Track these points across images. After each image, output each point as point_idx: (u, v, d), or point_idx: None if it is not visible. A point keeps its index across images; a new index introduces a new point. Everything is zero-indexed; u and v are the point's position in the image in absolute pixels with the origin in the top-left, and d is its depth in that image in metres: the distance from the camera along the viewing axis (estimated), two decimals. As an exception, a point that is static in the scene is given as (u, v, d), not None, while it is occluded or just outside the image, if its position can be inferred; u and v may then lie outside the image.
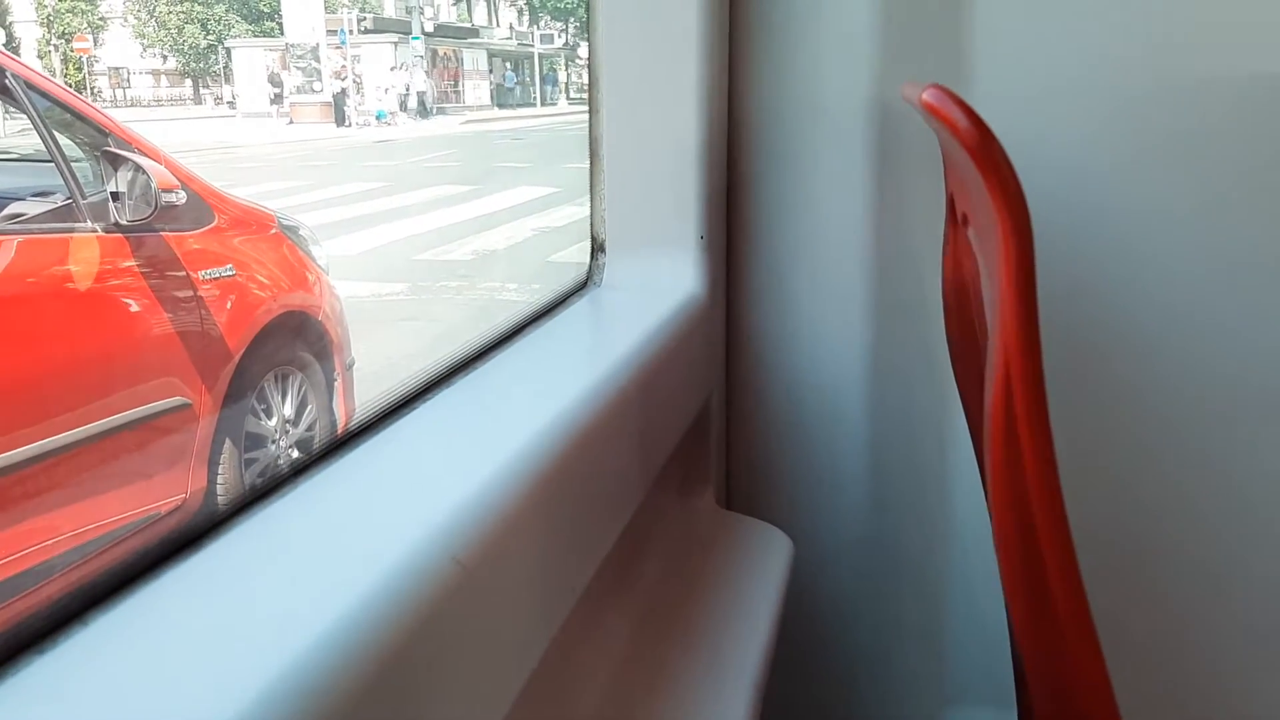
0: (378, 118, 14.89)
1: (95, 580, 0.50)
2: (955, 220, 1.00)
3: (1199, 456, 1.24)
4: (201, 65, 13.77)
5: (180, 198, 3.09)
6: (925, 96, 0.65)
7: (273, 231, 3.58)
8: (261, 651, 0.46)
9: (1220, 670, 1.30)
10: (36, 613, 0.47)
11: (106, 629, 0.48)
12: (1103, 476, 1.26)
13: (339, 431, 0.75)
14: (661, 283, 1.23)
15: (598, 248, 1.27)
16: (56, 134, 3.01)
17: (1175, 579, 1.28)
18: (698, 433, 1.26)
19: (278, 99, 13.38)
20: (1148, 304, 1.22)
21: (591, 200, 1.27)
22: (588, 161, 1.27)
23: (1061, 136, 1.20)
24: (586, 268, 1.28)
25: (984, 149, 0.62)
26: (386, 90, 15.27)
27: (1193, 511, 1.26)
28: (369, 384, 3.84)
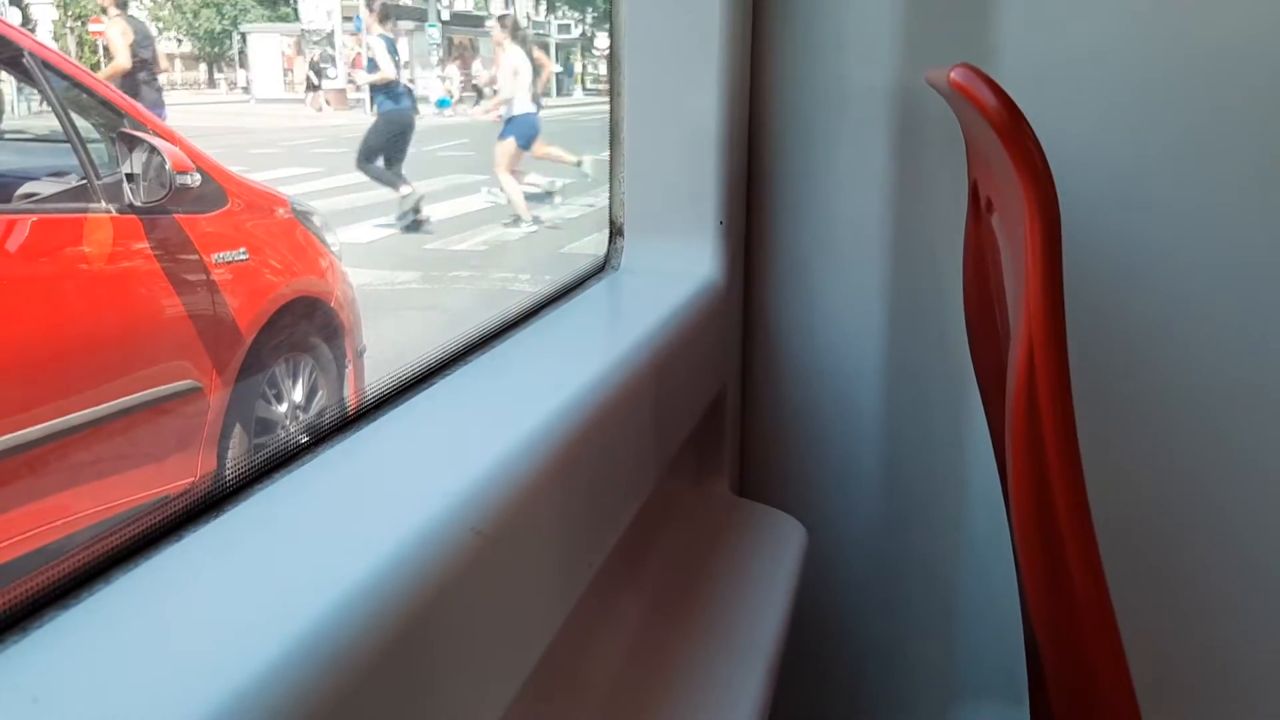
0: (440, 106, 14.83)
1: (119, 541, 0.50)
2: (978, 208, 0.99)
3: (1223, 447, 1.24)
4: (216, 50, 13.77)
5: (194, 180, 3.09)
6: (953, 76, 0.65)
7: (286, 216, 3.58)
8: (283, 611, 0.46)
9: (1242, 664, 1.29)
10: (61, 571, 0.47)
11: (130, 587, 0.48)
12: (1124, 467, 1.25)
13: (358, 405, 0.74)
14: (679, 268, 1.23)
15: (616, 231, 1.27)
16: (72, 114, 3.01)
17: (1197, 571, 1.28)
18: (713, 418, 1.26)
19: (314, 87, 13.47)
20: (1172, 292, 1.21)
21: (611, 184, 1.27)
22: (602, 152, 1.27)
23: (1086, 126, 1.20)
24: (604, 252, 1.28)
25: (1012, 128, 0.62)
26: (444, 81, 15.28)
27: (1215, 503, 1.25)
28: (379, 371, 3.84)
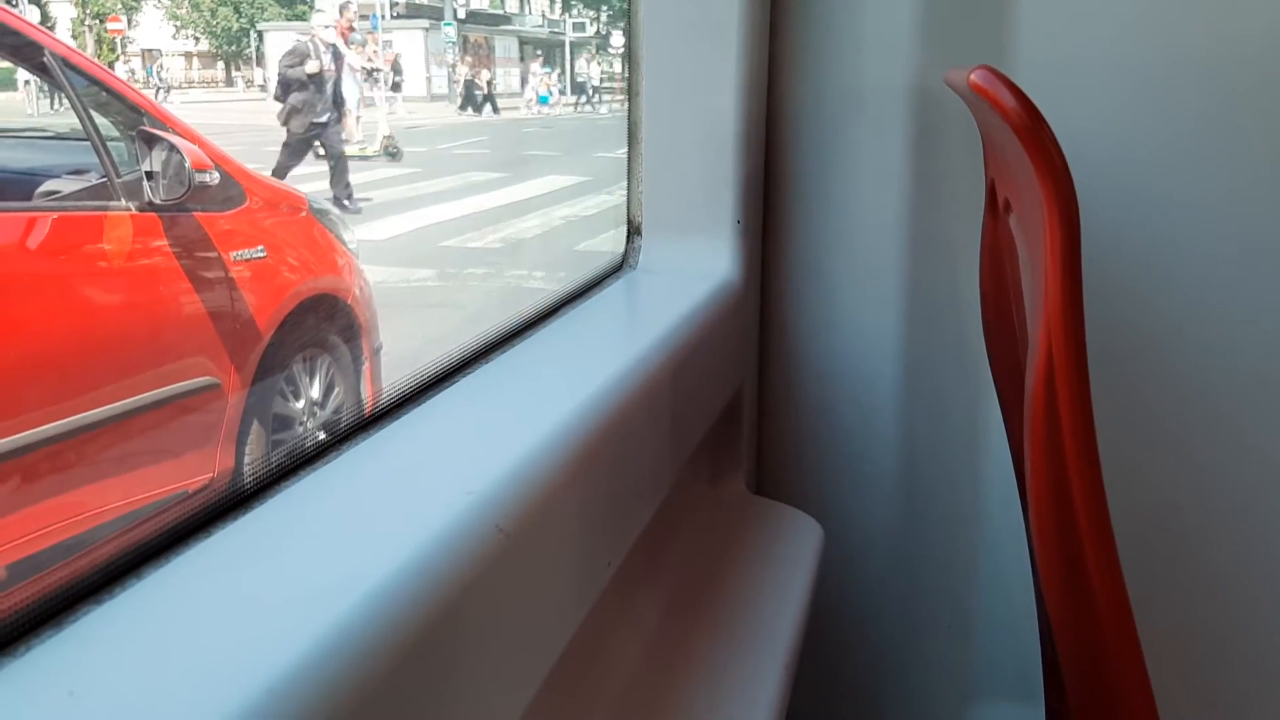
0: (541, 102, 15.18)
1: (149, 537, 0.51)
2: (995, 208, 0.99)
3: (1243, 447, 1.23)
4: (233, 48, 13.82)
5: (213, 178, 3.10)
6: (973, 77, 0.65)
7: (304, 214, 3.59)
8: (312, 607, 0.47)
9: (1262, 664, 1.29)
10: (94, 565, 0.47)
11: (162, 582, 0.49)
12: (1142, 466, 1.25)
13: (378, 405, 0.75)
14: (697, 267, 1.24)
15: (634, 231, 1.27)
16: (93, 113, 3.02)
17: (1216, 571, 1.28)
18: (730, 418, 1.26)
19: (396, 87, 13.80)
20: (1192, 292, 1.21)
21: (629, 183, 1.27)
22: (615, 151, 1.27)
23: (1105, 126, 1.20)
24: (622, 251, 1.29)
25: (1032, 130, 0.62)
26: (538, 78, 15.63)
27: (1235, 503, 1.25)
28: (395, 368, 3.85)
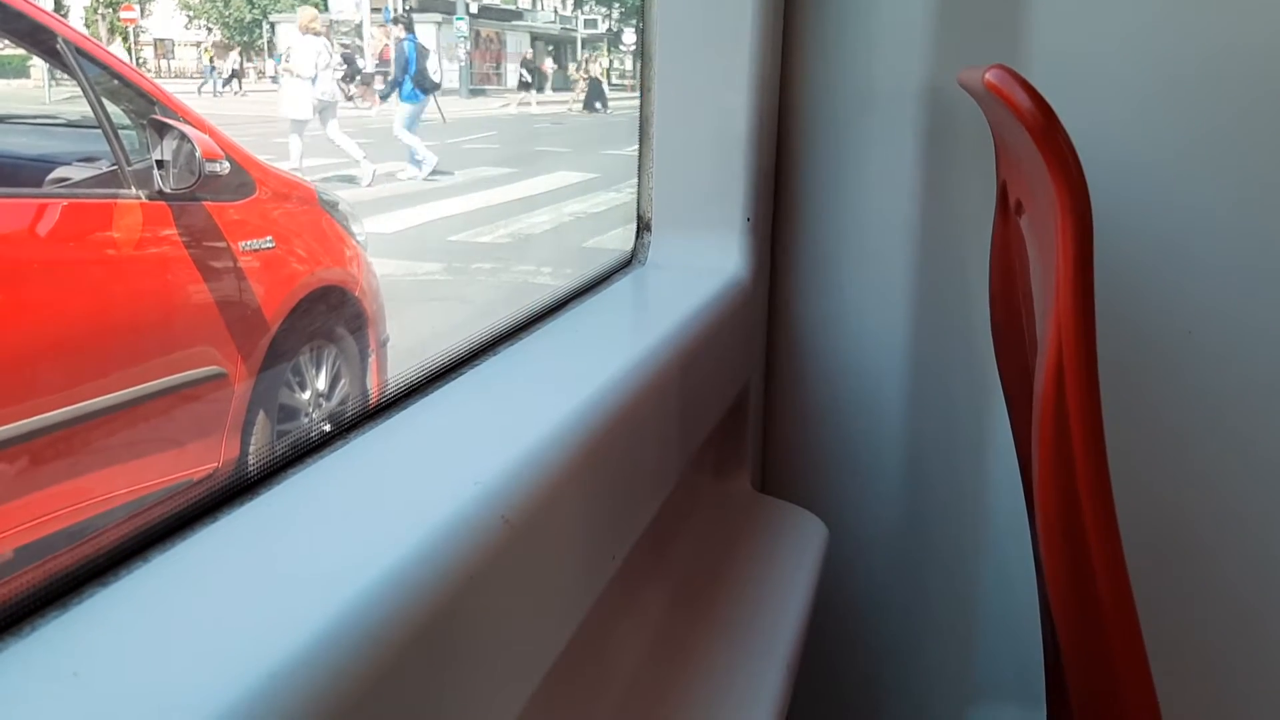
0: None
1: (156, 520, 0.51)
2: (1006, 209, 0.99)
3: (1251, 454, 1.23)
4: (246, 39, 13.84)
5: (223, 167, 3.10)
6: (988, 77, 0.65)
7: (313, 206, 3.59)
8: (318, 594, 0.47)
9: (1266, 669, 1.29)
10: (100, 548, 0.48)
11: (167, 566, 0.49)
12: (1150, 471, 1.25)
13: (385, 395, 0.76)
14: (706, 263, 1.23)
15: (643, 226, 1.27)
16: (105, 101, 3.03)
17: (1222, 577, 1.27)
18: (736, 415, 1.26)
19: (525, 85, 14.03)
20: (1203, 296, 1.21)
21: (639, 179, 1.27)
22: (626, 148, 1.27)
23: (1118, 128, 1.19)
24: (631, 246, 1.29)
25: (1046, 131, 0.62)
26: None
27: (1242, 509, 1.25)
28: (401, 361, 3.86)
